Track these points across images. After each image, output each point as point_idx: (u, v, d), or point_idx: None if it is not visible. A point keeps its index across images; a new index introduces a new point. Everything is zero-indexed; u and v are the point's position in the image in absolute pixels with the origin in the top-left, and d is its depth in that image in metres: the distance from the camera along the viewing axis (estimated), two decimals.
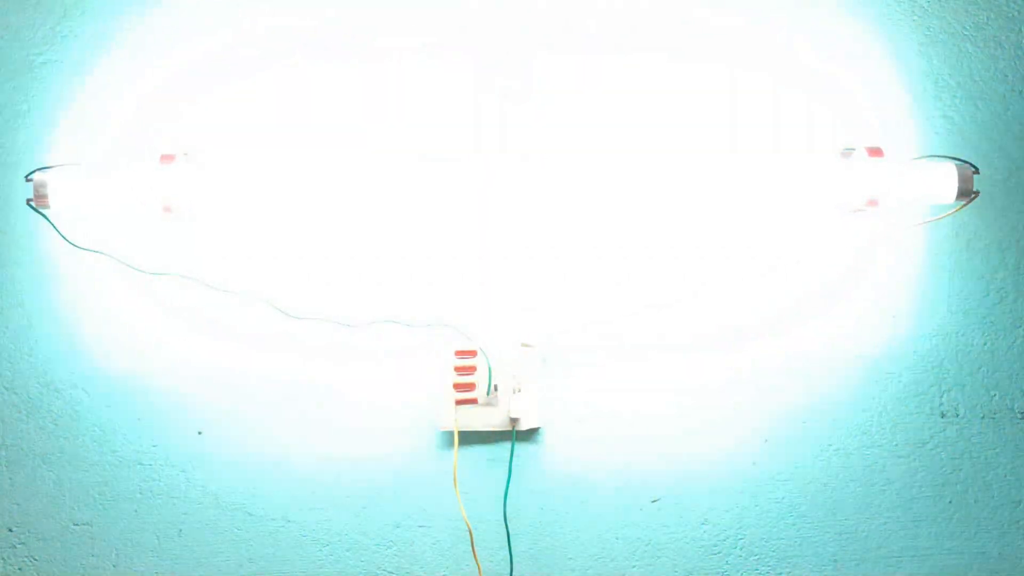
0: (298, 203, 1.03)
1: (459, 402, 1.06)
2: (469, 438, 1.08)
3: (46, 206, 0.97)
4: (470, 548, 1.07)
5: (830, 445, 1.10)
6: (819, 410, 1.10)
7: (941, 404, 1.11)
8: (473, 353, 1.06)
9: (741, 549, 1.10)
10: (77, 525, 1.08)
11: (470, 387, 1.06)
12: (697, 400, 1.09)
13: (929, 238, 1.10)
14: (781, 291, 1.09)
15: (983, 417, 1.11)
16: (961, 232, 1.10)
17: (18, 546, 1.08)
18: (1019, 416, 1.11)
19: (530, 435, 1.09)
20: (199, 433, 1.08)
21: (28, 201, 0.98)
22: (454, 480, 1.07)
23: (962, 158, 1.01)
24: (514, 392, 1.07)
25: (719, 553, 1.10)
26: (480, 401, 1.06)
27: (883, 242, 1.09)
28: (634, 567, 1.10)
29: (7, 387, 1.07)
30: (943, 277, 1.10)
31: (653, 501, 1.10)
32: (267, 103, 1.07)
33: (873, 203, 1.00)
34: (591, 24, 1.08)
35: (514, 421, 1.07)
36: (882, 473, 1.10)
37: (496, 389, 1.07)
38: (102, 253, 1.04)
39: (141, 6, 1.07)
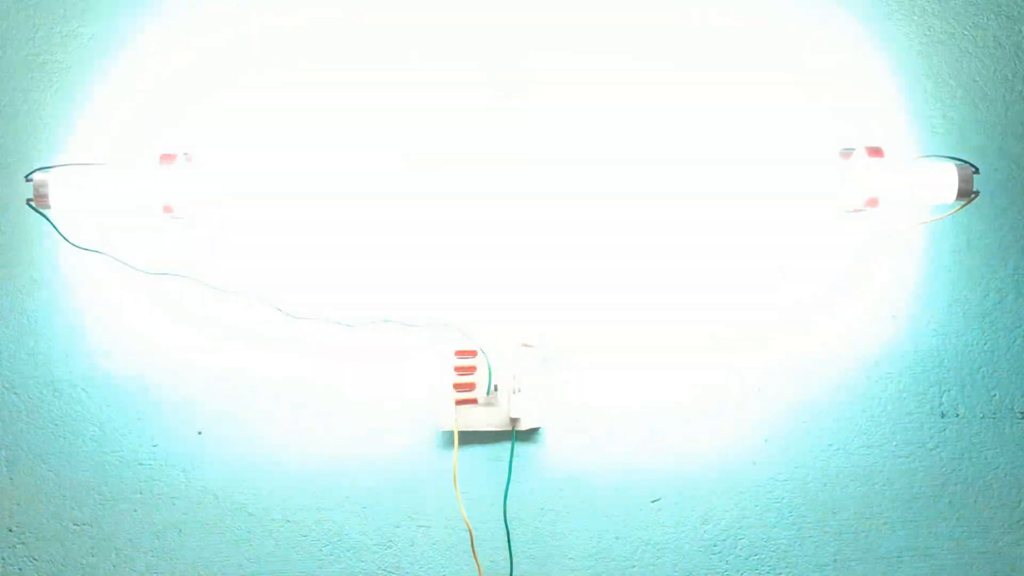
0: (298, 203, 1.03)
1: (459, 402, 1.06)
2: (469, 438, 1.08)
3: (46, 206, 0.97)
4: (470, 548, 1.07)
5: (830, 445, 1.10)
6: (819, 410, 1.10)
7: (941, 404, 1.11)
8: (473, 353, 1.06)
9: (741, 549, 1.10)
10: (77, 525, 1.08)
11: (470, 387, 1.06)
12: (697, 400, 1.09)
13: (929, 238, 1.10)
14: (781, 291, 1.09)
15: (983, 417, 1.11)
16: (961, 232, 1.10)
17: (18, 546, 1.08)
18: (1019, 416, 1.11)
19: (530, 435, 1.09)
20: (199, 433, 1.08)
21: (28, 201, 0.98)
22: (454, 480, 1.07)
23: (962, 158, 1.01)
24: (514, 392, 1.07)
25: (719, 553, 1.10)
26: (480, 401, 1.06)
27: (883, 242, 1.09)
28: (634, 567, 1.10)
29: (7, 387, 1.08)
30: (943, 277, 1.10)
31: (653, 501, 1.10)
32: (267, 103, 1.07)
33: (873, 203, 1.00)
34: (591, 25, 1.08)
35: (514, 421, 1.07)
36: (882, 473, 1.10)
37: (496, 389, 1.07)
38: (102, 253, 1.04)
39: (141, 6, 1.07)
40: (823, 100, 1.09)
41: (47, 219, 1.01)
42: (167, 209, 0.98)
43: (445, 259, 1.07)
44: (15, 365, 1.07)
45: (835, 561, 1.11)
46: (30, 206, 0.98)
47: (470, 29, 1.08)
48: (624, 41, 1.08)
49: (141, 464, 1.08)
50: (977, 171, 1.00)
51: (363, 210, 1.06)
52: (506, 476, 1.08)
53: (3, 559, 1.08)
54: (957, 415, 1.11)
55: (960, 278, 1.10)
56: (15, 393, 1.08)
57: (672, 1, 1.08)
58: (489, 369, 1.06)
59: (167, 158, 0.98)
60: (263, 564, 1.09)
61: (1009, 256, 1.10)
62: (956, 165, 1.00)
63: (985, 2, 1.10)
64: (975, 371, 1.11)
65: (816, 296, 1.09)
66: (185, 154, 1.00)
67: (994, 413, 1.11)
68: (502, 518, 1.08)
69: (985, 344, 1.11)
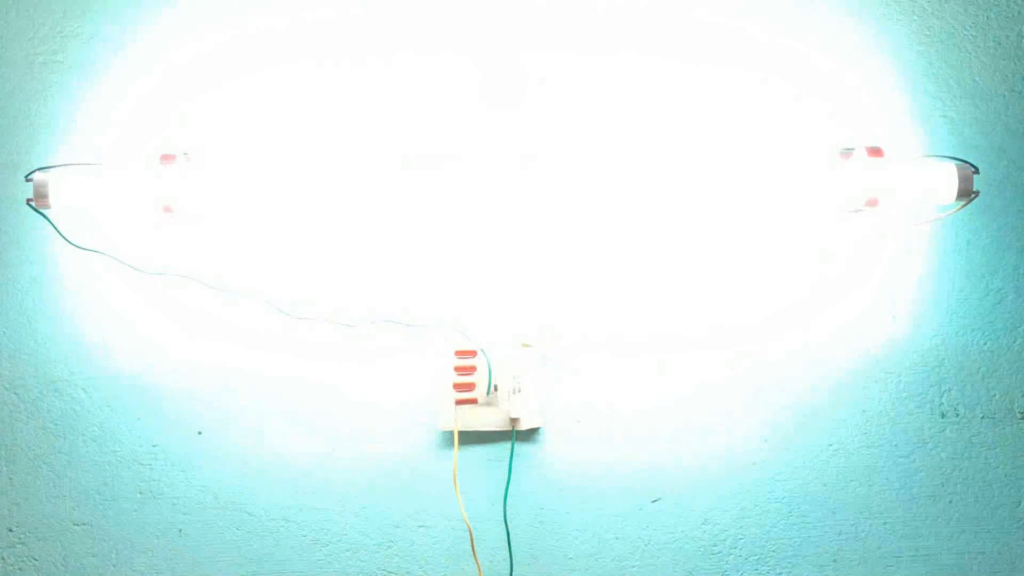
0: (298, 203, 1.03)
1: (459, 402, 1.06)
2: (469, 438, 1.08)
3: (46, 206, 0.97)
4: (470, 548, 1.07)
5: (830, 445, 1.10)
6: (819, 410, 1.10)
7: (941, 404, 1.11)
8: (473, 353, 1.06)
9: (741, 549, 1.10)
10: (77, 525, 1.08)
11: (470, 387, 1.06)
12: (697, 400, 1.09)
13: (929, 238, 1.10)
14: (781, 291, 1.09)
15: (983, 417, 1.11)
16: (961, 232, 1.10)
17: (18, 546, 1.08)
18: (1019, 416, 1.11)
19: (530, 435, 1.09)
20: (199, 433, 1.08)
21: (28, 201, 0.98)
22: (454, 480, 1.07)
23: (962, 158, 1.01)
24: (514, 392, 1.07)
25: (719, 553, 1.10)
26: (480, 401, 1.06)
27: (883, 242, 1.09)
28: (634, 567, 1.10)
29: (7, 387, 1.07)
30: (943, 277, 1.10)
31: (653, 501, 1.10)
32: (267, 103, 1.07)
33: (873, 203, 1.00)
34: (589, 24, 1.08)
35: (514, 421, 1.07)
36: (882, 473, 1.10)
37: (496, 389, 1.07)
38: (102, 253, 1.04)
39: (141, 5, 1.07)
40: (823, 100, 1.09)
41: (47, 219, 1.01)
42: (167, 209, 0.98)
43: (445, 259, 1.07)
44: (15, 365, 1.07)
45: (835, 561, 1.11)
46: (30, 206, 0.98)
47: (471, 28, 1.08)
48: (623, 40, 1.08)
49: (141, 464, 1.08)
50: (977, 171, 1.00)
51: (363, 209, 1.06)
52: (506, 476, 1.08)
53: (3, 559, 1.08)
54: (957, 415, 1.11)
55: (960, 278, 1.10)
56: (15, 393, 1.08)
57: (671, 1, 1.08)
58: (489, 369, 1.06)
59: (167, 158, 0.98)
60: (263, 564, 1.08)
61: (1009, 256, 1.10)
62: (956, 165, 1.00)
63: (985, 2, 1.10)
64: (975, 371, 1.11)
65: (816, 296, 1.09)
66: (185, 154, 1.00)
67: (994, 413, 1.11)
68: (502, 518, 1.08)
69: (985, 344, 1.11)
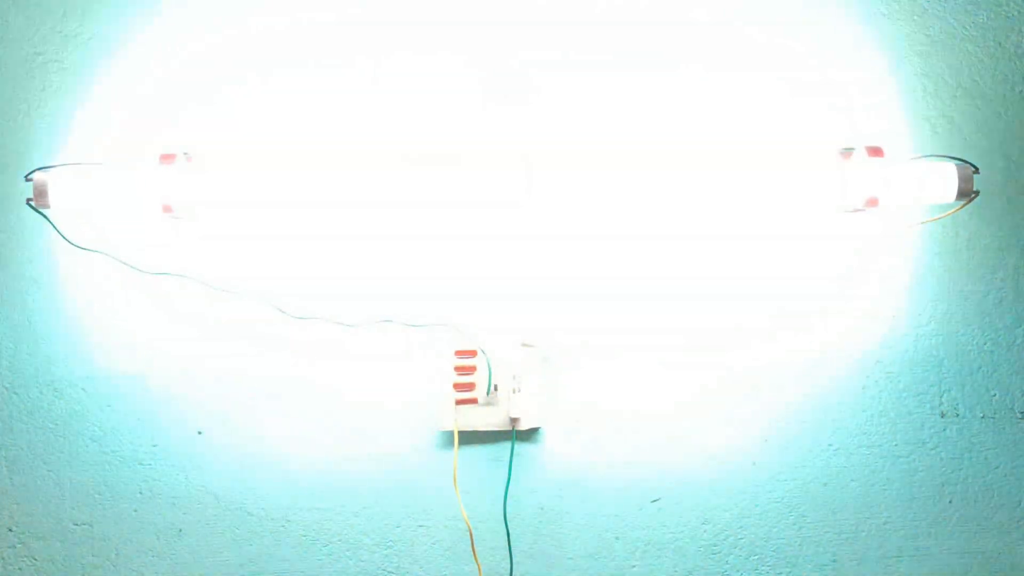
0: (298, 203, 1.03)
1: (459, 402, 1.06)
2: (469, 438, 1.08)
3: (46, 206, 0.97)
4: (470, 548, 1.07)
5: (830, 445, 1.10)
6: (819, 410, 1.10)
7: (941, 404, 1.11)
8: (473, 353, 1.06)
9: (741, 549, 1.10)
10: (77, 525, 1.08)
11: (470, 387, 1.06)
12: (697, 400, 1.09)
13: (929, 238, 1.10)
14: (781, 291, 1.09)
15: (983, 417, 1.11)
16: (961, 232, 1.10)
17: (18, 546, 1.08)
18: (1019, 416, 1.11)
19: (530, 435, 1.09)
20: (199, 433, 1.08)
21: (28, 201, 0.98)
22: (454, 480, 1.07)
23: (962, 158, 1.01)
24: (514, 392, 1.07)
25: (719, 553, 1.10)
26: (480, 401, 1.06)
27: (883, 242, 1.09)
28: (634, 567, 1.10)
29: (7, 387, 1.07)
30: (943, 277, 1.10)
31: (653, 501, 1.10)
32: (267, 102, 1.07)
33: (873, 203, 1.00)
34: (586, 22, 1.08)
35: (514, 421, 1.07)
36: (882, 473, 1.10)
37: (496, 389, 1.07)
38: (102, 253, 1.04)
39: (142, 6, 1.07)
40: (823, 100, 1.09)
41: (47, 219, 1.01)
42: (167, 209, 0.98)
43: (446, 259, 1.07)
44: (15, 365, 1.07)
45: (835, 561, 1.11)
46: (30, 206, 0.98)
47: (473, 26, 1.08)
48: (622, 39, 1.08)
49: (141, 464, 1.08)
50: (977, 171, 1.00)
51: (363, 209, 1.06)
52: (506, 476, 1.08)
53: (3, 559, 1.08)
54: (957, 415, 1.11)
55: (960, 278, 1.10)
56: (15, 393, 1.08)
57: (671, 1, 1.08)
58: (489, 369, 1.06)
59: (167, 158, 0.98)
60: (263, 564, 1.09)
61: (1008, 256, 1.10)
62: (956, 165, 1.00)
63: (985, 2, 1.10)
64: (975, 371, 1.11)
65: (816, 296, 1.09)
66: (185, 154, 1.00)
67: (994, 413, 1.11)
68: (502, 518, 1.08)
69: (985, 344, 1.11)
